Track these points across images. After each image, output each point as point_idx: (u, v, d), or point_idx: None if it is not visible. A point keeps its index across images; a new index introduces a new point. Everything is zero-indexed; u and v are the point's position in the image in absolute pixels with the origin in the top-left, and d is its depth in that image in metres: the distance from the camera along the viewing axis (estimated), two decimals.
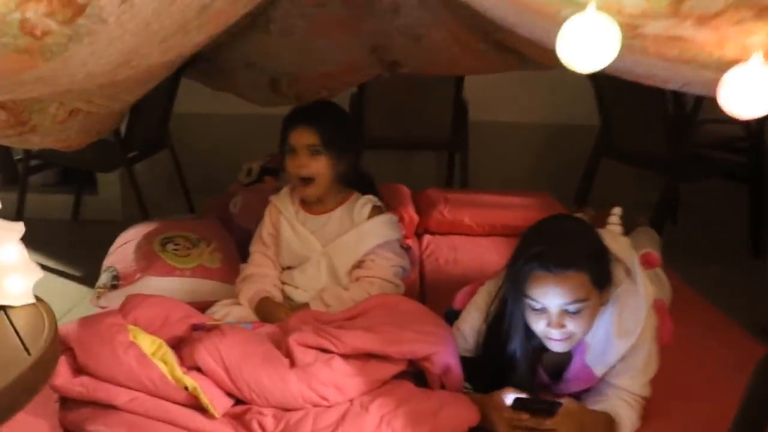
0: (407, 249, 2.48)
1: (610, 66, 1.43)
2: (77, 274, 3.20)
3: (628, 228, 2.01)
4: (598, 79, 3.34)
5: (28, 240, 1.37)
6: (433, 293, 2.36)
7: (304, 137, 2.02)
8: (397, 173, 3.79)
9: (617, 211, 1.77)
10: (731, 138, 3.37)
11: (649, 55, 1.09)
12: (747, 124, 3.23)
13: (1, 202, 1.39)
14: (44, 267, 3.26)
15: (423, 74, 3.29)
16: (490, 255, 2.67)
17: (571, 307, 1.47)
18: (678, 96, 3.27)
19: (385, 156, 3.99)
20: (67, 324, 1.66)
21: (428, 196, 3.10)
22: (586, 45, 0.93)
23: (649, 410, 1.62)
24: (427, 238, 2.91)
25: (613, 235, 1.69)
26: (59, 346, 1.58)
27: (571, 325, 1.49)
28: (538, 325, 1.52)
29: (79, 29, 1.11)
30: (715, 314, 2.15)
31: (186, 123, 3.97)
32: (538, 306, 1.49)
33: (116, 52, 1.33)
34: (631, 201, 2.18)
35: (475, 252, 2.76)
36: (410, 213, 2.93)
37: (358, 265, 2.06)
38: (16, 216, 3.39)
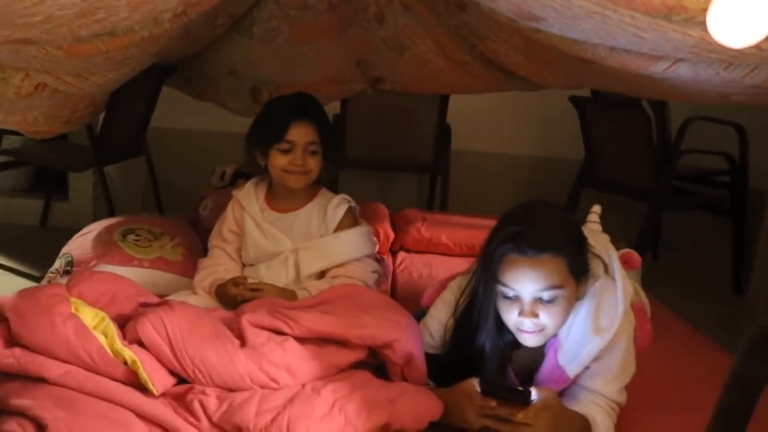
0: (380, 260, 2.40)
1: (597, 42, 1.37)
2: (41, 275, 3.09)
3: None
4: (583, 106, 3.33)
5: None
6: (403, 304, 2.27)
7: (305, 134, 1.91)
8: (377, 195, 3.73)
9: (597, 209, 1.69)
10: (714, 171, 3.33)
11: (636, 5, 1.03)
12: (730, 157, 3.21)
13: None
14: (9, 269, 3.17)
15: (406, 94, 3.25)
16: None
17: (546, 295, 1.37)
18: (662, 125, 3.25)
19: (366, 177, 3.94)
20: (5, 295, 1.55)
21: (406, 216, 3.02)
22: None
23: (624, 420, 1.51)
24: (401, 255, 2.82)
25: (592, 231, 1.61)
26: None
27: (545, 316, 1.39)
28: (510, 316, 1.42)
29: None
30: (693, 334, 2.07)
31: (164, 137, 3.91)
32: (510, 293, 1.40)
33: None
34: (612, 233, 2.13)
35: (450, 270, 2.67)
36: (386, 229, 2.84)
37: (328, 271, 1.97)
38: None
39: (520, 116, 4.05)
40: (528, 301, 1.39)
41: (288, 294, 1.82)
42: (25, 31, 1.37)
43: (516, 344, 1.49)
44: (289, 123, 1.90)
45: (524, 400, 1.33)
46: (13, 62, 1.80)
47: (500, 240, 1.39)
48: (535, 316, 1.39)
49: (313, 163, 1.93)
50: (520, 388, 1.38)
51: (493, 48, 2.47)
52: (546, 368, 1.50)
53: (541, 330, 1.42)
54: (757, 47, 1.11)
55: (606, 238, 1.61)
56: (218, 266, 1.97)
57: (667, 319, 2.14)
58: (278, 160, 1.93)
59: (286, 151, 1.91)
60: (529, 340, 1.44)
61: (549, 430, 1.33)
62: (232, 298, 1.78)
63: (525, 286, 1.37)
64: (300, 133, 1.91)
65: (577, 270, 1.41)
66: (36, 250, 3.45)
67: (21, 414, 1.28)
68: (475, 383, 1.37)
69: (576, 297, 1.45)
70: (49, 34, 1.45)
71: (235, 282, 1.82)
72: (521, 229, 1.37)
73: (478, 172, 4.11)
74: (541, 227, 1.39)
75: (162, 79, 3.20)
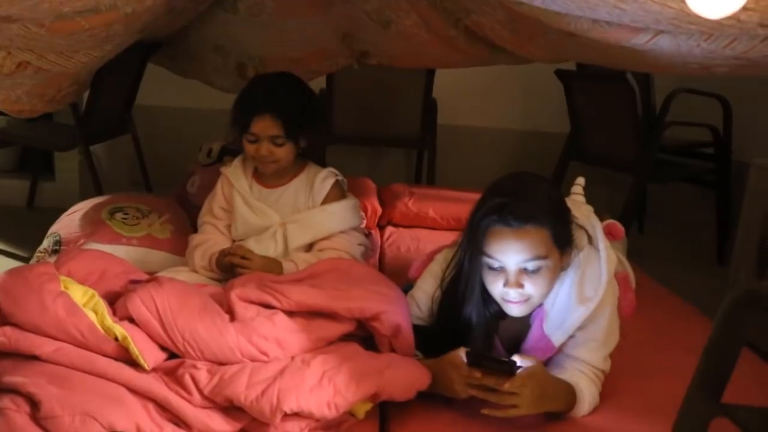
0: (368, 235, 2.42)
1: (579, 15, 1.37)
2: (28, 256, 3.08)
3: None
4: (568, 79, 3.33)
5: None
6: (391, 277, 2.29)
7: (268, 128, 1.91)
8: (364, 170, 3.74)
9: (581, 181, 1.71)
10: (699, 143, 3.36)
11: None
12: (714, 129, 3.23)
13: None
14: None
15: (392, 68, 3.24)
16: None
17: (530, 265, 1.39)
18: (646, 98, 3.26)
19: (353, 152, 3.94)
20: None
21: (393, 190, 3.04)
22: None
23: (609, 387, 1.55)
24: (389, 229, 2.84)
25: (576, 203, 1.63)
26: None
27: (529, 286, 1.42)
28: (496, 286, 1.44)
29: None
30: (677, 302, 2.11)
31: (150, 115, 3.89)
32: (496, 264, 1.42)
33: None
34: (598, 205, 2.16)
35: (438, 244, 2.69)
36: (374, 204, 2.86)
37: (315, 243, 1.99)
38: None
39: (506, 90, 4.05)
40: (513, 271, 1.41)
41: (273, 263, 1.87)
42: (6, 7, 1.37)
43: (502, 315, 1.52)
44: (252, 117, 1.91)
45: (510, 370, 1.35)
46: None
47: (485, 212, 1.41)
48: (520, 286, 1.41)
49: (281, 152, 1.95)
50: (506, 359, 1.40)
51: (478, 22, 2.46)
52: (532, 338, 1.53)
53: (527, 300, 1.44)
54: (736, 18, 1.13)
55: (589, 209, 1.63)
56: (209, 242, 2.00)
57: (651, 289, 2.18)
58: (248, 148, 1.97)
59: (253, 141, 1.94)
60: (514, 310, 1.46)
61: (534, 399, 1.35)
62: (227, 265, 1.84)
63: (510, 257, 1.40)
64: (263, 127, 1.91)
65: (561, 240, 1.43)
66: (23, 230, 3.43)
67: (14, 391, 1.30)
68: (461, 354, 1.40)
69: (561, 267, 1.47)
70: (31, 11, 1.44)
71: (224, 252, 1.88)
72: (505, 201, 1.39)
73: (465, 146, 4.12)
74: (525, 198, 1.41)
75: (146, 56, 3.18)
